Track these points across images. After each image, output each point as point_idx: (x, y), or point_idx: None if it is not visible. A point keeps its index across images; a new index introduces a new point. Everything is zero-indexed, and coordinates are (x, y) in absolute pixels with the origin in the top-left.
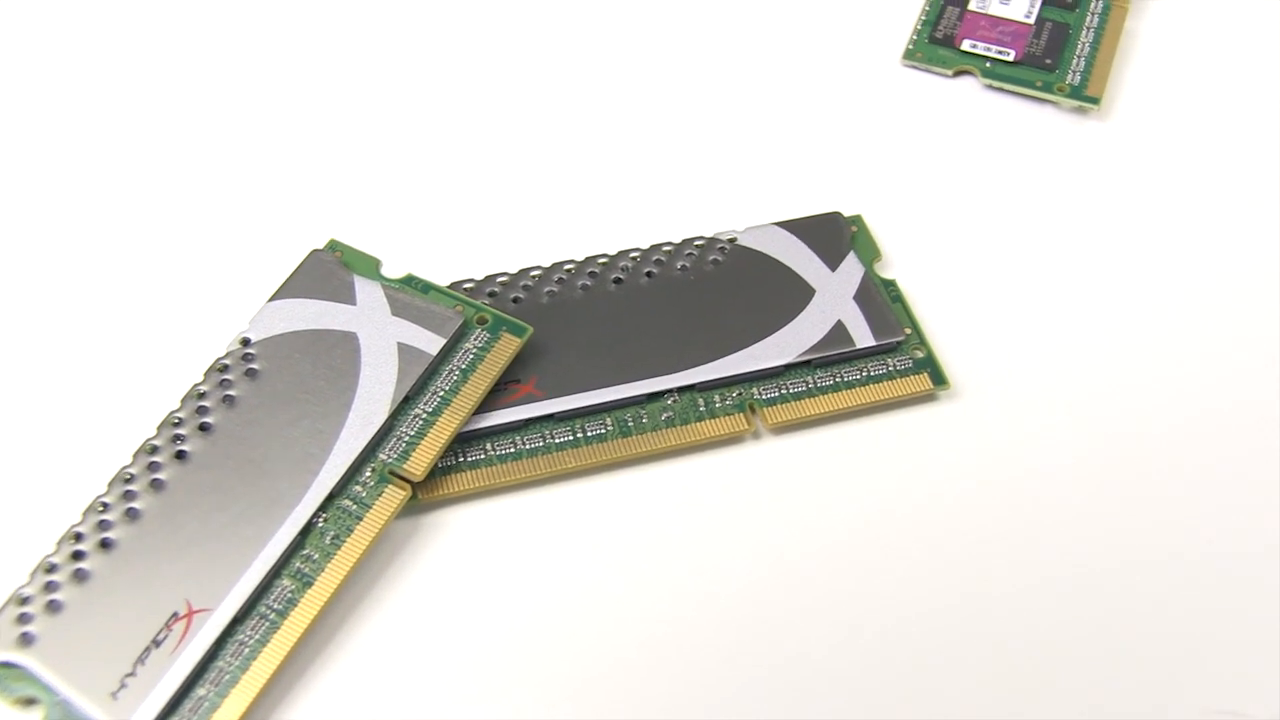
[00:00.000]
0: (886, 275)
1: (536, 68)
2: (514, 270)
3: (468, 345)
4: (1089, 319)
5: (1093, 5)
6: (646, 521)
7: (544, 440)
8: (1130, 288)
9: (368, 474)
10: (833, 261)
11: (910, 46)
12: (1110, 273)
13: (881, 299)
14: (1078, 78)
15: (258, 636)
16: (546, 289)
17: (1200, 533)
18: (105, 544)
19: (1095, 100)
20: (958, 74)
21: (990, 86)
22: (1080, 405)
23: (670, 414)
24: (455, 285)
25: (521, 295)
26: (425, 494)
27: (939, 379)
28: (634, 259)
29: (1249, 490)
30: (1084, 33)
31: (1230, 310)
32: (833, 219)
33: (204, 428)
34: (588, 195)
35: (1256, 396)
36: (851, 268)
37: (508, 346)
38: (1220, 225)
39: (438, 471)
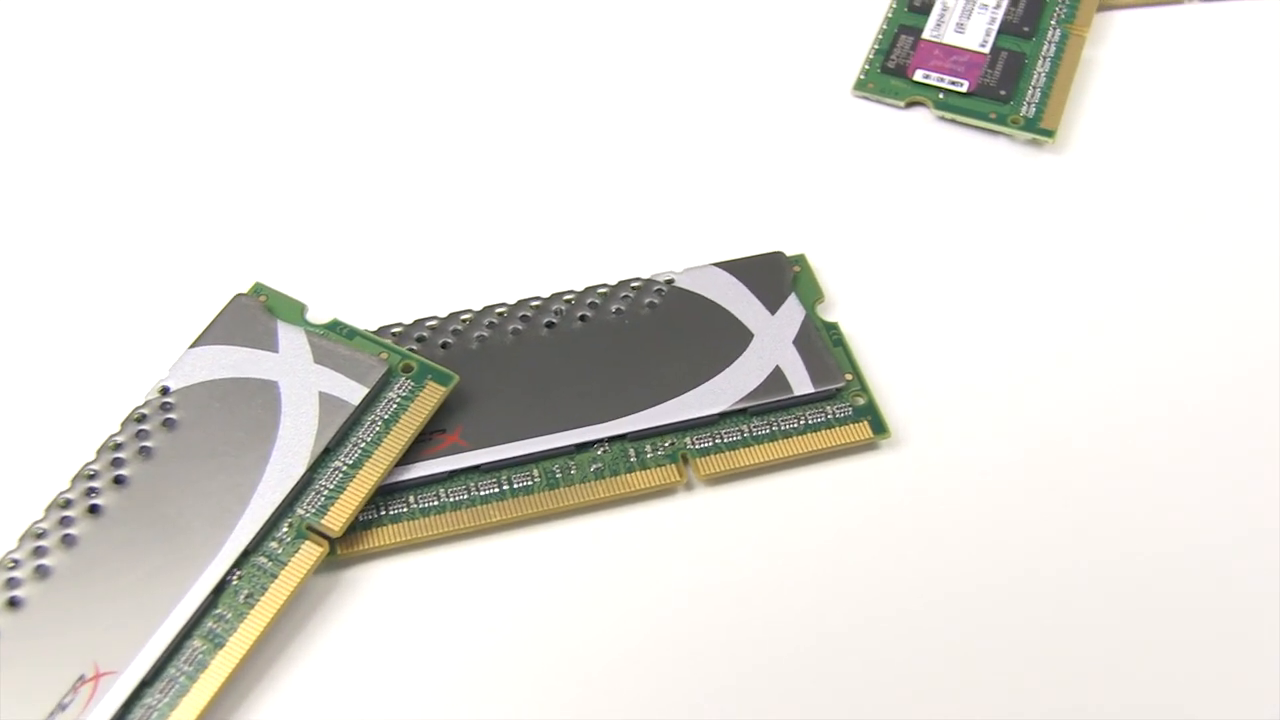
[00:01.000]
0: (830, 317)
1: (468, 102)
2: (444, 314)
3: (391, 394)
4: (1043, 365)
5: (1050, 34)
6: (574, 577)
7: (468, 493)
8: (1084, 333)
9: (284, 529)
10: (773, 304)
11: (862, 76)
12: (1063, 316)
13: (822, 343)
14: (1033, 110)
15: (166, 700)
16: (477, 334)
17: (1149, 573)
18: (13, 602)
19: (1050, 133)
20: (910, 105)
21: (943, 118)
22: (1029, 455)
23: (599, 465)
24: (383, 330)
25: (451, 340)
26: (345, 549)
27: (879, 427)
28: (568, 302)
29: (1198, 529)
30: (1040, 62)
31: (1185, 355)
32: (774, 259)
33: (119, 480)
34: (522, 234)
35: (1209, 438)
36: (792, 310)
37: (432, 395)
38: (1177, 264)
39: (358, 525)
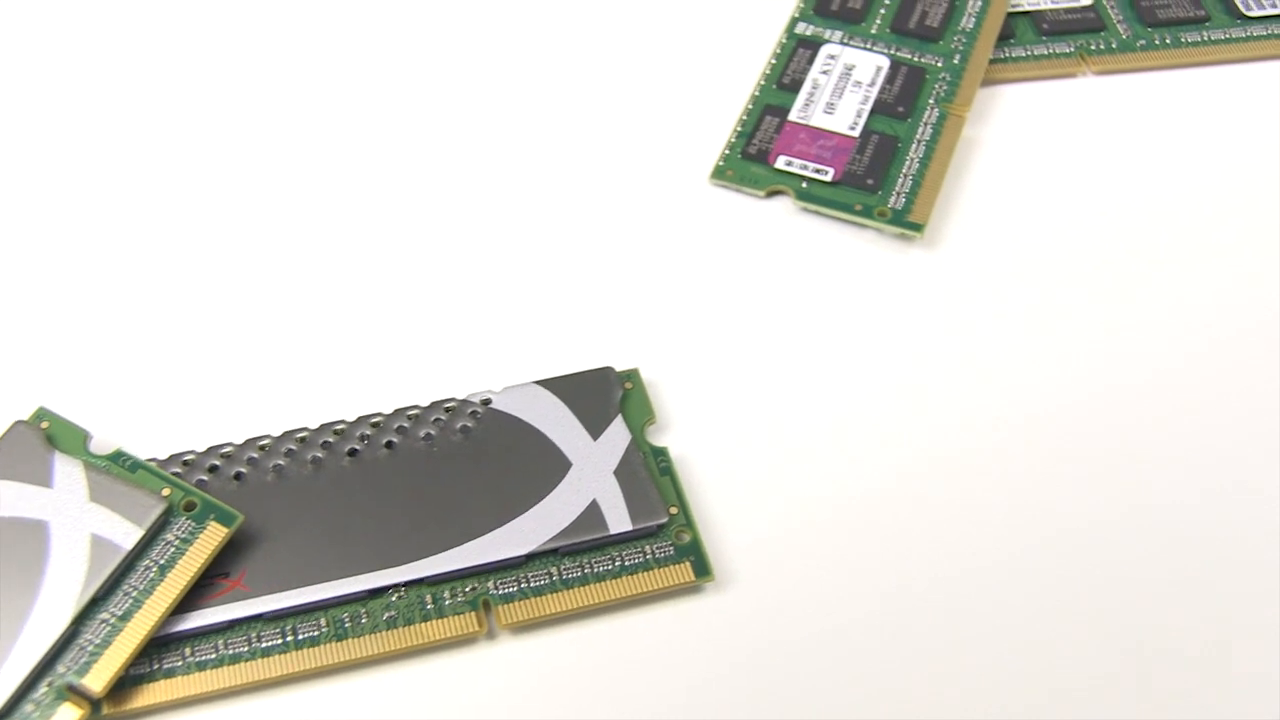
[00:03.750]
0: (661, 440)
1: (274, 201)
2: (241, 440)
3: (170, 536)
4: (902, 501)
5: (927, 114)
6: None
7: (250, 644)
8: (948, 463)
9: (42, 690)
10: (596, 427)
11: (720, 163)
12: (928, 446)
13: (646, 473)
14: (901, 200)
15: None
16: (274, 463)
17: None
18: None
19: (918, 227)
20: (771, 194)
21: (806, 210)
22: (877, 603)
23: (393, 613)
24: (174, 458)
25: (245, 470)
26: (111, 708)
27: (702, 569)
28: (375, 426)
29: (1051, 673)
30: (914, 147)
31: (1054, 499)
32: (602, 376)
33: None
34: (331, 348)
35: (1075, 574)
36: (616, 435)
37: (213, 537)
38: (1057, 375)
39: (127, 682)
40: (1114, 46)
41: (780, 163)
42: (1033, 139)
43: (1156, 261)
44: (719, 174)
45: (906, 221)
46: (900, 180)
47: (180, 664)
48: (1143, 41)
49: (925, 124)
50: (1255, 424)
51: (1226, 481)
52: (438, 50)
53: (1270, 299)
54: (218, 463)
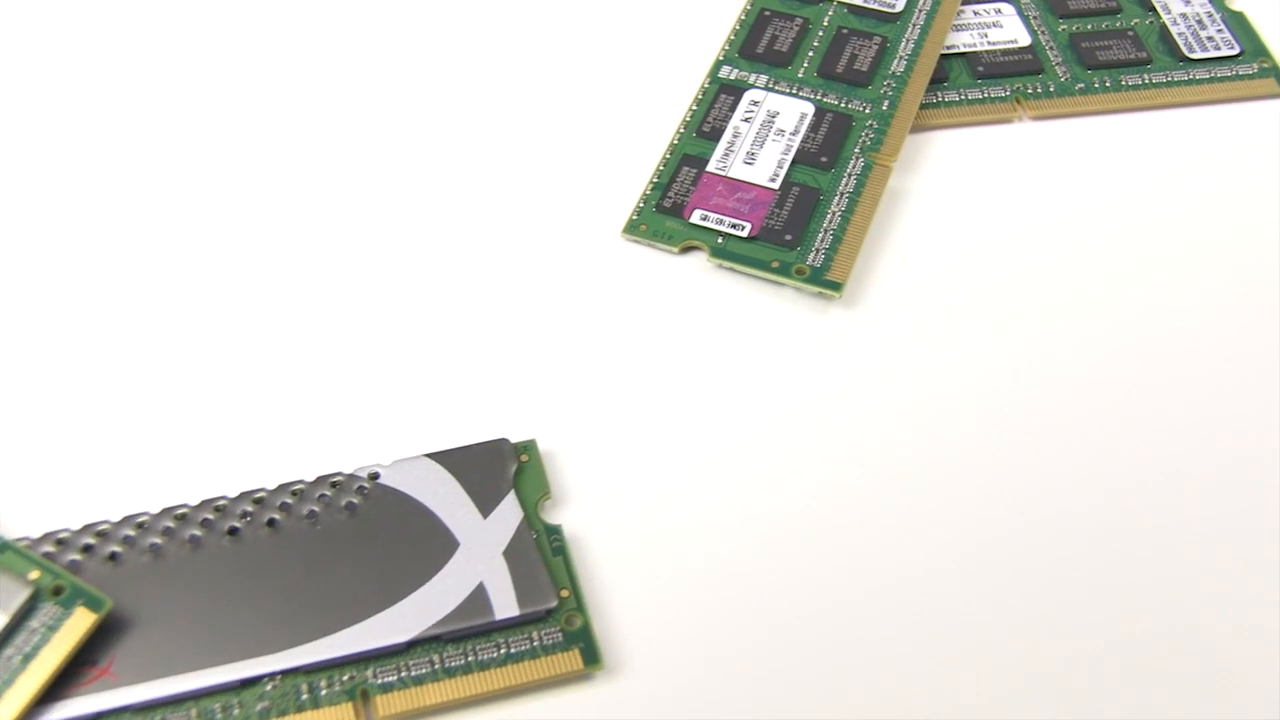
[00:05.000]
0: (557, 517)
1: (147, 269)
2: (118, 518)
3: (36, 623)
4: (810, 578)
5: (851, 165)
6: None
7: None
8: (865, 544)
9: None
10: (487, 504)
11: (634, 217)
12: (843, 521)
13: (536, 554)
14: (820, 257)
15: None
16: (151, 541)
17: None
18: None
19: (836, 286)
20: (685, 250)
21: (721, 266)
22: (764, 690)
23: (267, 704)
24: (47, 537)
25: (121, 550)
26: None
27: (591, 656)
28: (258, 502)
29: None
30: (837, 199)
31: (974, 555)
32: (496, 448)
33: None
34: (217, 419)
35: (998, 645)
36: (507, 512)
37: (80, 624)
38: (985, 453)
39: None
40: (1051, 90)
41: (695, 217)
42: (964, 189)
43: (1093, 316)
44: (632, 229)
45: (824, 280)
46: (820, 236)
47: None
48: (1081, 85)
49: (849, 175)
50: (1182, 485)
51: (1144, 551)
52: (332, 98)
53: (1213, 350)
54: (92, 541)
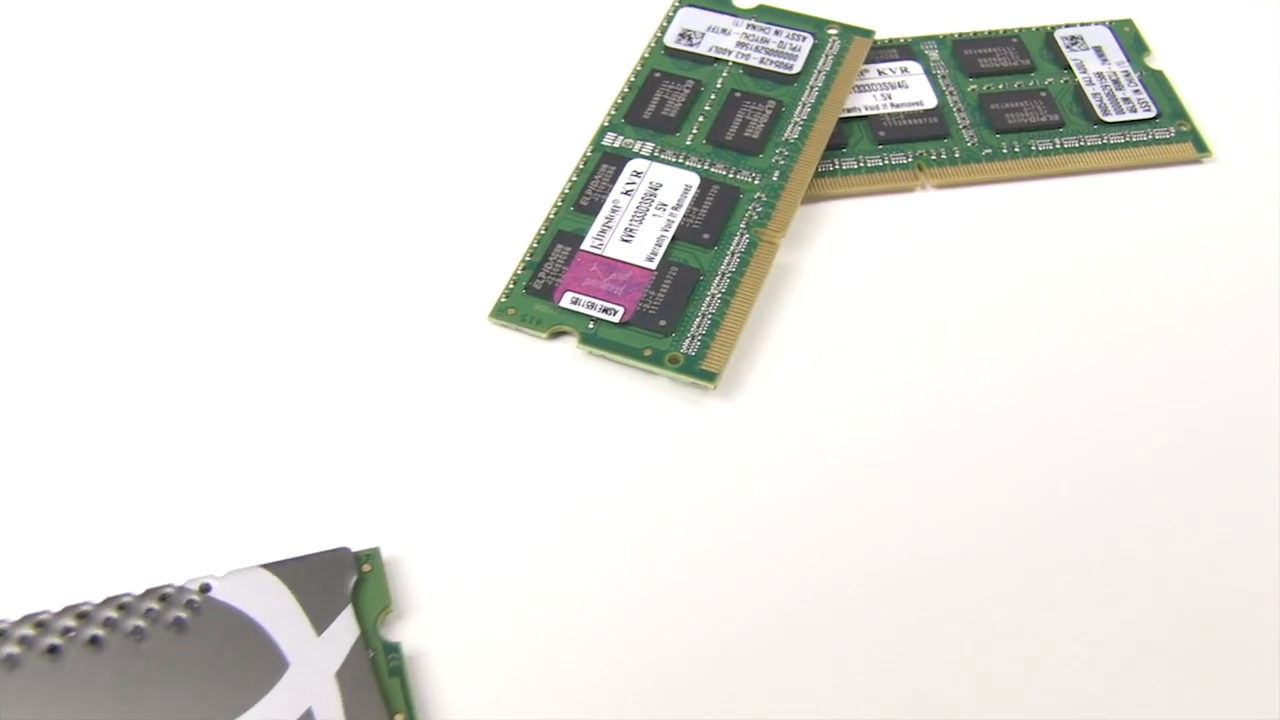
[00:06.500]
0: (397, 633)
1: None
2: None
3: None
4: (681, 695)
5: (735, 242)
6: None
7: None
8: (737, 659)
9: None
10: (322, 620)
11: (502, 299)
12: (711, 644)
13: (370, 676)
14: (695, 345)
15: None
16: None
17: None
18: None
19: (711, 377)
20: (554, 336)
21: (592, 354)
22: None
23: None
24: None
25: None
26: None
27: None
28: (82, 618)
29: None
30: (717, 280)
31: (856, 657)
32: (336, 558)
33: None
34: (42, 525)
35: None
36: (343, 629)
37: None
38: (861, 568)
39: None
40: (957, 156)
41: (566, 300)
42: (859, 264)
43: (999, 406)
44: (499, 312)
45: (698, 370)
46: (697, 321)
47: None
48: (989, 150)
49: (732, 253)
50: (1076, 572)
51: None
52: (188, 166)
53: (1121, 426)
54: None
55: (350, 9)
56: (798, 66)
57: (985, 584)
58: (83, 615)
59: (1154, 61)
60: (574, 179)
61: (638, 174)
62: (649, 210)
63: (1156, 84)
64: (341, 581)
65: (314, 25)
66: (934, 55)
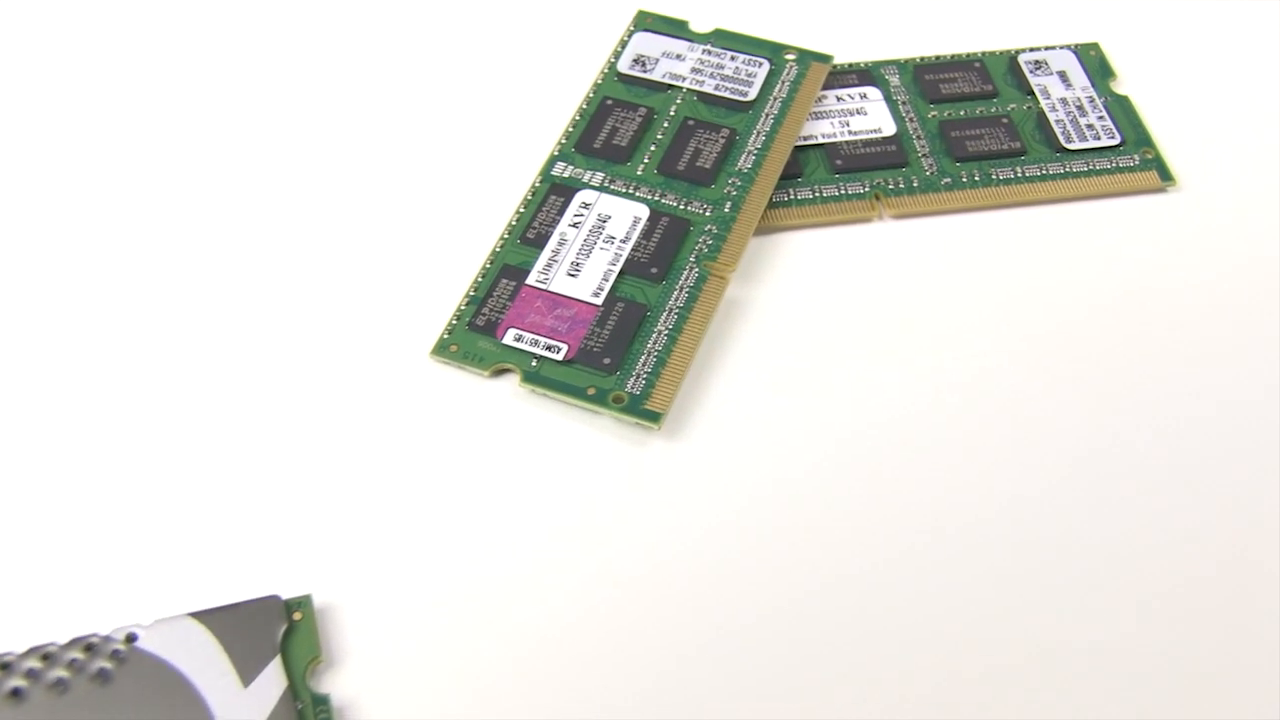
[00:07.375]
0: (326, 685)
1: None
2: None
3: None
4: None
5: (684, 276)
6: None
7: None
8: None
9: None
10: (249, 672)
11: (445, 336)
12: (662, 684)
13: None
14: (640, 384)
15: None
16: None
17: None
18: None
19: (655, 417)
20: (496, 374)
21: (534, 392)
22: None
23: None
24: None
25: None
26: None
27: None
28: (4, 667)
29: None
30: (665, 316)
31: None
32: (265, 607)
33: None
34: None
35: None
36: (270, 681)
37: None
38: (811, 619)
39: None
40: (915, 186)
41: (509, 337)
42: (812, 298)
43: (953, 441)
44: (441, 349)
45: (643, 410)
46: (642, 359)
47: None
48: (948, 179)
49: (680, 288)
50: (1040, 612)
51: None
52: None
53: (1085, 461)
54: None
55: (289, 36)
56: (753, 93)
57: (940, 620)
58: (4, 666)
59: (1119, 86)
60: (521, 210)
61: (586, 205)
62: (596, 243)
63: (1121, 110)
64: (271, 631)
65: (255, 52)
66: (895, 80)
